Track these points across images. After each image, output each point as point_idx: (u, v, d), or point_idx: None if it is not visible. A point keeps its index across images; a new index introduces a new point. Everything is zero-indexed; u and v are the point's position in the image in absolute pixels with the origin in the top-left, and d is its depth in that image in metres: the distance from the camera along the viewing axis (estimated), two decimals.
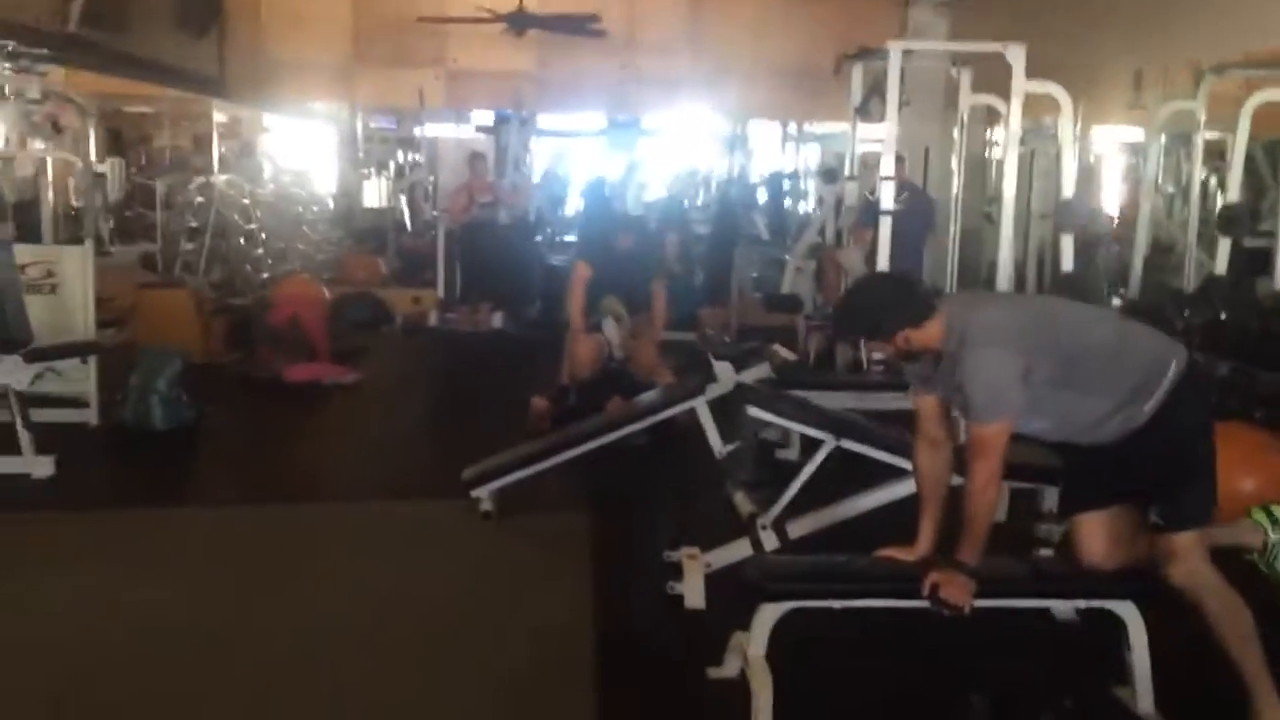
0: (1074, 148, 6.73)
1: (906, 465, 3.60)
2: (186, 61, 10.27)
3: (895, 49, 6.57)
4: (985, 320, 2.81)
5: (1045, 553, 3.74)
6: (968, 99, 7.49)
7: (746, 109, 11.39)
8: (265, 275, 9.45)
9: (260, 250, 9.62)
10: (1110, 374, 2.82)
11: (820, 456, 3.81)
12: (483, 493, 4.50)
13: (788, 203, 12.53)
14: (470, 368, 8.51)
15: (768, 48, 10.47)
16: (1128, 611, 2.90)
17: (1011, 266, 6.79)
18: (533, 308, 10.44)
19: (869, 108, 7.27)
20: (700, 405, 4.58)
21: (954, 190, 7.74)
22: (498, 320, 9.80)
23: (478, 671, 3.24)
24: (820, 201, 9.20)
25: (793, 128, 14.32)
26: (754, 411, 3.78)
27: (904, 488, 3.72)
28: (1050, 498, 3.81)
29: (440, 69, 10.42)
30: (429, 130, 12.55)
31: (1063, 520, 3.31)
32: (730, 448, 4.60)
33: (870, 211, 7.01)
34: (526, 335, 9.64)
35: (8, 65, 5.48)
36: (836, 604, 2.82)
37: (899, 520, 3.17)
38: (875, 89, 7.24)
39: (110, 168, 13.08)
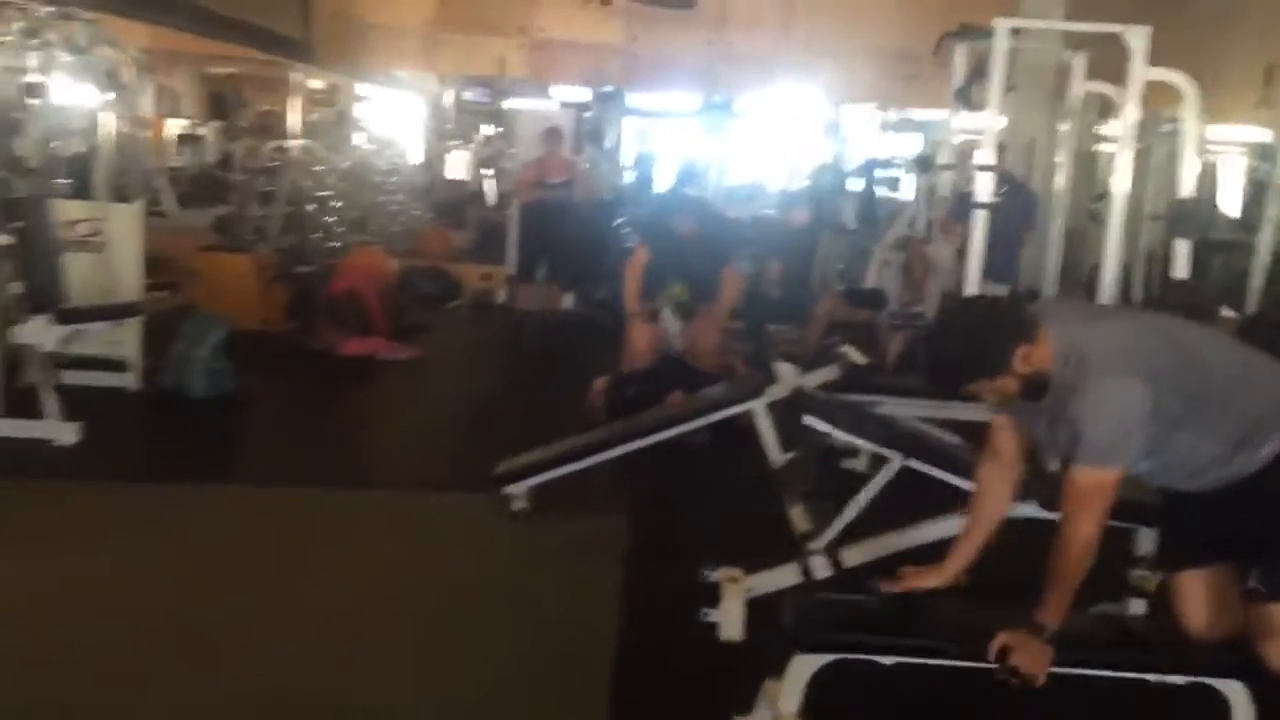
0: (1196, 144, 6.08)
1: None
2: (272, 23, 10.13)
3: (1003, 26, 6.01)
4: (1108, 342, 2.33)
5: (1139, 602, 3.27)
6: (1080, 86, 6.89)
7: (841, 92, 10.83)
8: (335, 244, 9.25)
9: (333, 218, 9.41)
10: (1229, 411, 2.35)
11: (885, 476, 3.37)
12: (516, 489, 4.16)
13: (881, 192, 11.99)
14: (533, 348, 8.21)
15: (865, 27, 9.92)
16: (1235, 692, 2.43)
17: (1117, 270, 6.20)
18: (603, 289, 10.11)
19: (970, 92, 6.70)
20: (758, 408, 4.18)
21: (1059, 185, 7.14)
22: (568, 301, 9.46)
23: (486, 671, 3.06)
24: (916, 192, 8.63)
25: (892, 113, 13.76)
26: (811, 421, 3.36)
27: None
28: (1147, 540, 3.32)
29: (525, 38, 10.09)
30: (512, 103, 12.30)
31: (1161, 572, 2.86)
32: (790, 456, 4.18)
33: (964, 204, 6.47)
34: (595, 317, 9.31)
35: (49, 7, 5.28)
36: (885, 659, 2.41)
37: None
38: (978, 72, 6.67)
39: (210, 131, 13.16)
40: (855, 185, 11.78)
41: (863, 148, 14.67)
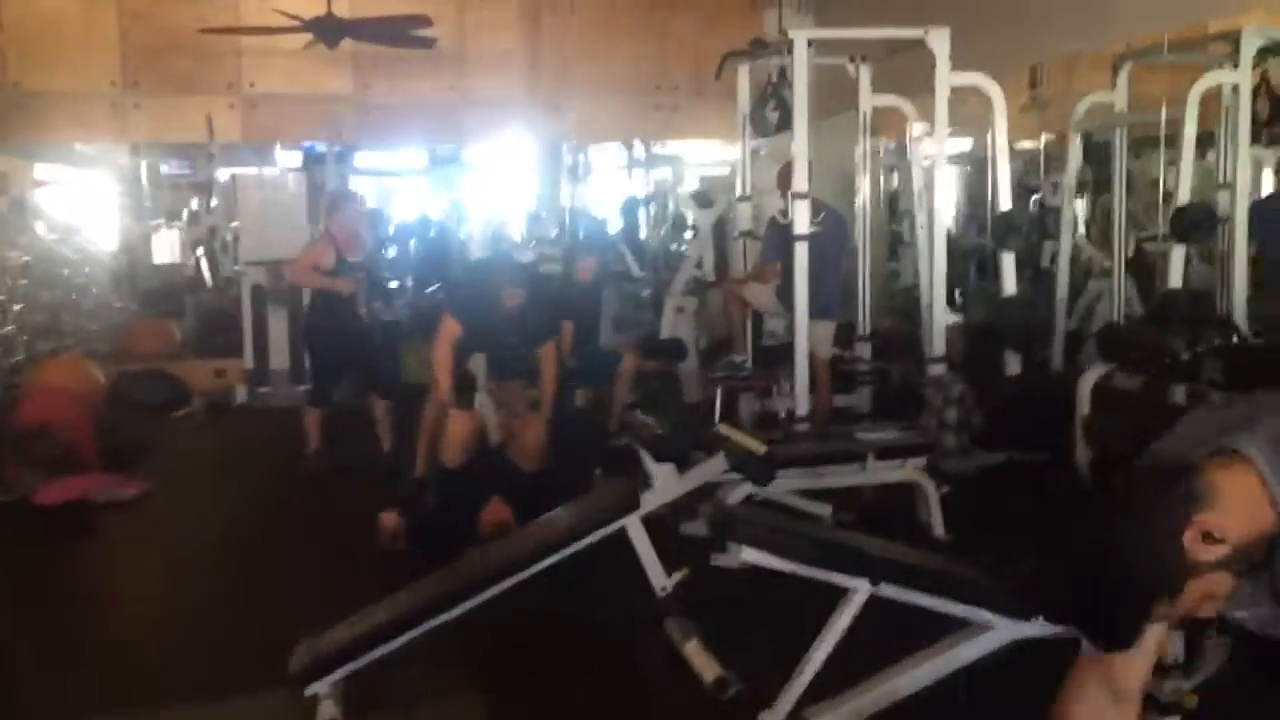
0: (1006, 151, 5.69)
1: (977, 614, 2.36)
2: None
3: (800, 38, 5.40)
4: None
5: None
6: (869, 99, 6.42)
7: (593, 131, 10.09)
8: (18, 358, 7.54)
9: (11, 327, 7.69)
10: None
11: (848, 613, 2.49)
12: (321, 687, 2.99)
13: (644, 233, 11.37)
14: (291, 458, 6.87)
15: (616, 62, 9.21)
16: None
17: (941, 292, 5.70)
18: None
19: (761, 115, 6.07)
20: (633, 524, 3.21)
21: (859, 207, 6.64)
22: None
23: None
24: (695, 230, 7.96)
25: (638, 150, 13.21)
26: (752, 556, 2.44)
27: (972, 649, 2.47)
28: (1175, 644, 2.61)
29: (234, 95, 8.69)
30: (225, 169, 10.81)
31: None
32: (678, 577, 3.26)
33: (777, 237, 5.80)
34: (359, 406, 8.06)
35: None
36: None
37: None
38: (770, 93, 6.05)
39: None
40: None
41: (609, 188, 14.18)
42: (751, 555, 2.41)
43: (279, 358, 8.06)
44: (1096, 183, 7.48)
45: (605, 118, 9.53)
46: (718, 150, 13.68)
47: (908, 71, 6.59)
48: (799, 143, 5.48)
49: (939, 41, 5.48)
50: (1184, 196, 5.48)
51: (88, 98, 8.61)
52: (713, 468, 3.49)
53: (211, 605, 4.21)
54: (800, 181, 5.47)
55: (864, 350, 6.52)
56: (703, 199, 8.29)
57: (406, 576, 4.38)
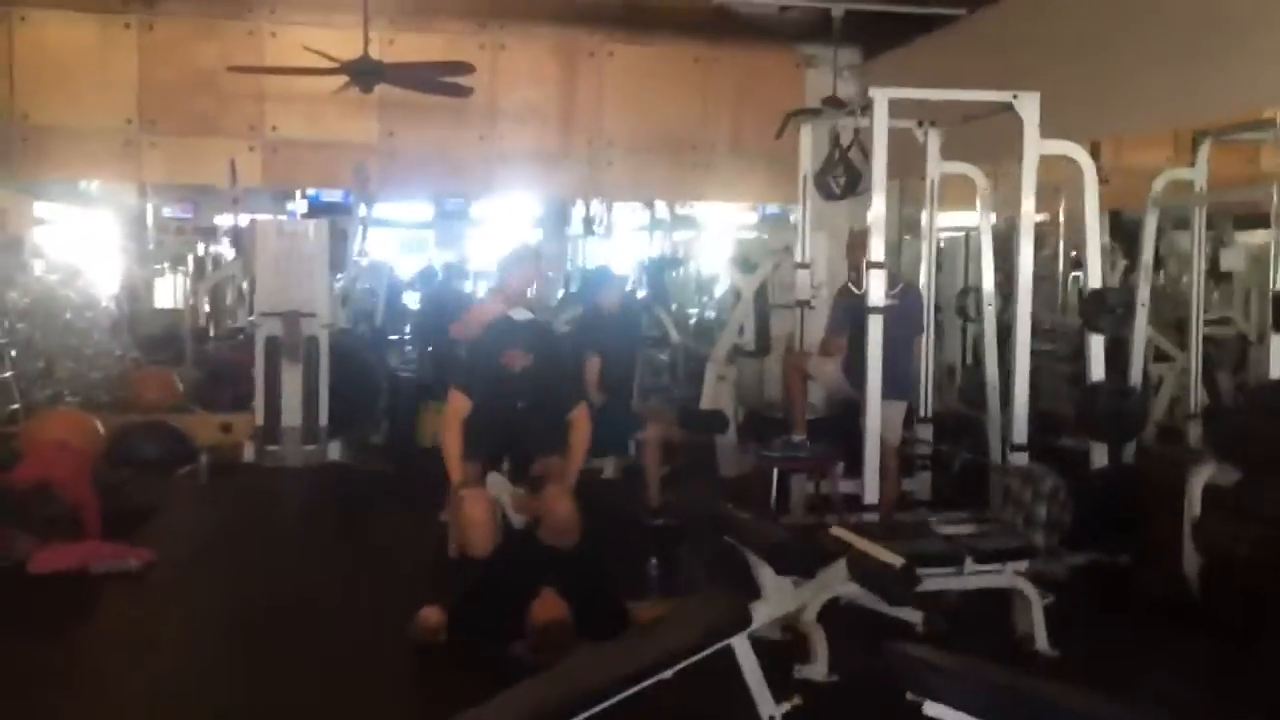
0: (1097, 224, 5.31)
1: None
2: None
3: (882, 97, 5.04)
4: None
5: None
6: (938, 166, 6.07)
7: (626, 188, 9.74)
8: (14, 406, 7.05)
9: (8, 373, 7.21)
10: None
11: None
12: None
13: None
14: (308, 521, 6.38)
15: (650, 118, 8.88)
16: None
17: (1024, 371, 5.28)
18: (377, 431, 8.39)
19: (827, 179, 5.70)
20: (741, 643, 2.74)
21: (924, 280, 6.24)
22: (334, 451, 7.68)
23: None
24: (737, 296, 7.56)
25: (659, 210, 12.91)
26: (938, 712, 1.96)
27: None
28: None
29: (256, 138, 8.32)
30: (233, 216, 10.43)
31: None
32: (787, 708, 2.78)
33: (849, 311, 5.40)
34: (373, 469, 7.59)
35: None
36: None
37: None
38: (836, 154, 5.69)
39: None
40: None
41: (630, 248, 13.85)
42: (937, 711, 1.94)
43: (291, 414, 7.57)
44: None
45: (639, 174, 9.16)
46: (736, 214, 13.44)
47: (975, 139, 6.27)
48: (876, 208, 5.09)
49: (1028, 107, 5.13)
50: None
51: (101, 134, 8.23)
52: (832, 579, 3.03)
53: (224, 703, 3.69)
54: (878, 250, 5.07)
55: (925, 433, 6.09)
56: (746, 263, 7.91)
57: (449, 678, 3.94)
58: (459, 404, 4.54)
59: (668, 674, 2.68)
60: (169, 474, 7.14)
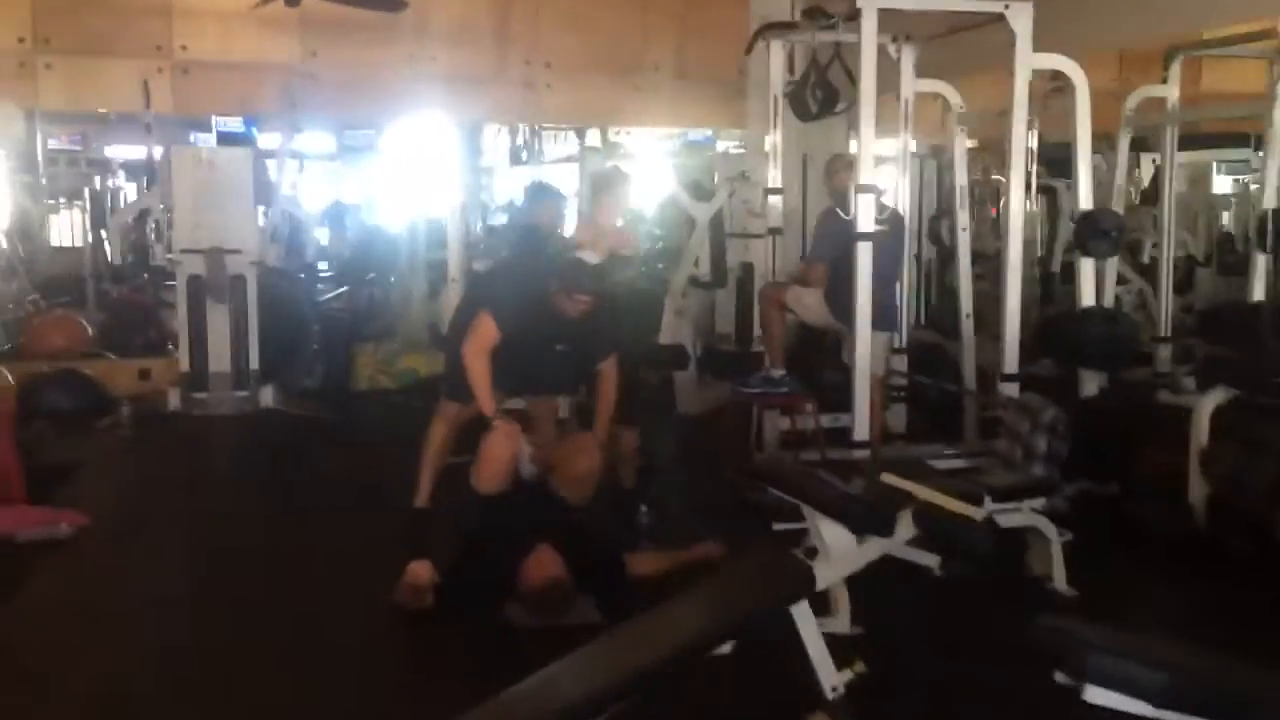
0: (1088, 145, 5.09)
1: None
2: None
3: (870, 7, 4.71)
4: None
5: None
6: (912, 85, 5.78)
7: (566, 114, 9.27)
8: None
9: None
10: None
11: None
12: None
13: None
14: (249, 474, 5.91)
15: (591, 39, 8.40)
16: None
17: (1014, 300, 5.08)
18: (311, 374, 7.90)
19: (806, 97, 5.37)
20: (802, 609, 2.47)
21: (901, 206, 5.97)
22: (266, 397, 7.19)
23: None
24: (691, 225, 7.23)
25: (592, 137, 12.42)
26: (1103, 698, 1.71)
27: None
28: None
29: (164, 60, 7.62)
30: (136, 143, 9.66)
31: None
32: (849, 675, 2.53)
33: (831, 234, 5.11)
34: (310, 414, 7.13)
35: None
36: None
37: None
38: (814, 73, 5.36)
39: None
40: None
41: (566, 178, 13.32)
42: (1104, 699, 1.69)
43: (219, 359, 7.05)
44: None
45: (579, 99, 8.70)
46: (656, 141, 13.04)
47: (945, 56, 6.01)
48: (865, 128, 4.79)
49: (1020, 18, 4.86)
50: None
51: None
52: (900, 534, 2.77)
53: (183, 687, 3.31)
54: (867, 173, 4.78)
55: (899, 363, 5.89)
56: (700, 190, 7.56)
57: (441, 645, 3.61)
58: (490, 331, 4.13)
59: (725, 648, 2.40)
60: (87, 427, 6.59)
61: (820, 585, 2.54)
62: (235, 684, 3.32)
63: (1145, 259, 7.76)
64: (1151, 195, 8.18)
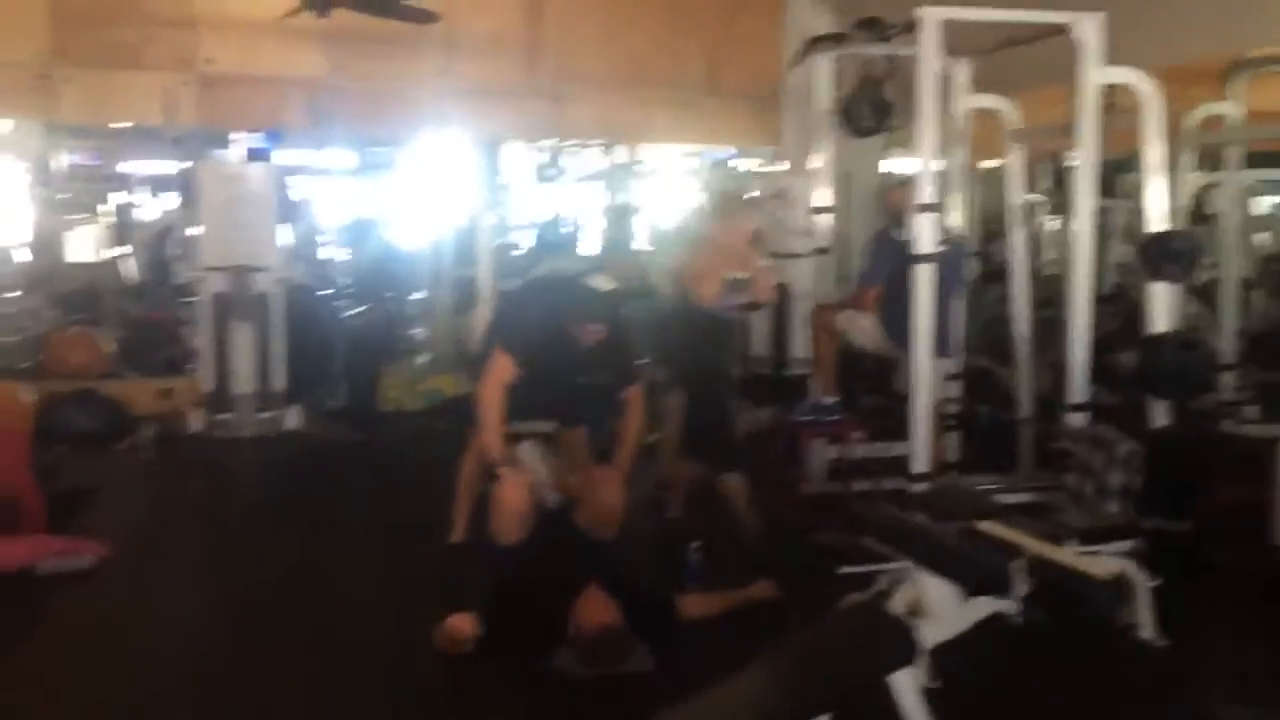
0: (1160, 162, 4.84)
1: None
2: None
3: (932, 17, 4.48)
4: None
5: None
6: (966, 99, 5.56)
7: (596, 129, 9.07)
8: None
9: None
10: None
11: None
12: None
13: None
14: (276, 499, 5.69)
15: (623, 52, 8.19)
16: None
17: (1082, 324, 4.83)
18: (335, 395, 7.69)
19: (859, 113, 5.15)
20: (902, 680, 2.23)
21: (959, 230, 5.71)
22: (291, 419, 6.98)
23: None
24: None
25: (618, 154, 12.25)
26: None
27: None
28: None
29: (189, 73, 7.44)
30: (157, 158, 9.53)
31: None
32: None
33: (887, 255, 4.88)
34: (336, 437, 6.92)
35: None
36: None
37: None
38: (868, 88, 5.15)
39: None
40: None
41: (589, 196, 13.15)
42: None
43: (243, 379, 6.83)
44: None
45: (609, 115, 8.50)
46: (678, 160, 12.87)
47: (998, 71, 5.79)
48: (926, 143, 4.55)
49: (1089, 29, 4.64)
50: None
51: (8, 66, 7.26)
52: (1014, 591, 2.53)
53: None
54: (928, 192, 4.55)
55: (951, 390, 5.64)
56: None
57: (485, 699, 3.38)
58: (504, 368, 3.93)
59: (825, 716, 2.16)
60: (106, 449, 6.39)
61: (925, 648, 2.31)
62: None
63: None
64: (1195, 216, 7.95)
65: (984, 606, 2.52)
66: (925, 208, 4.54)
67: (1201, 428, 4.93)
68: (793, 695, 2.17)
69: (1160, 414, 4.83)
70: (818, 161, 5.67)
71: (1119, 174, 7.38)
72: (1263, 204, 11.24)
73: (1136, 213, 6.63)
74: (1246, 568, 4.26)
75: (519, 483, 3.83)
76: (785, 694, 2.19)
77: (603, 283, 4.32)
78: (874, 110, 5.23)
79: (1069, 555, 2.38)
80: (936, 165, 4.65)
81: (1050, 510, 4.22)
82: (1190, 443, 4.75)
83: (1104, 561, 2.36)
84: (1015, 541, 2.44)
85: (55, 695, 3.34)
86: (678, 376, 4.89)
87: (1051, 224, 8.59)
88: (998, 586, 2.43)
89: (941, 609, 2.44)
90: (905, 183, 5.05)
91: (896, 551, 2.68)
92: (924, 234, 4.54)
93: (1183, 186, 5.85)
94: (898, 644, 2.20)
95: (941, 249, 4.59)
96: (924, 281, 4.54)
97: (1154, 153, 4.79)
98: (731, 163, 12.37)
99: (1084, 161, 4.75)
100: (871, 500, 4.17)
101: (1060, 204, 7.28)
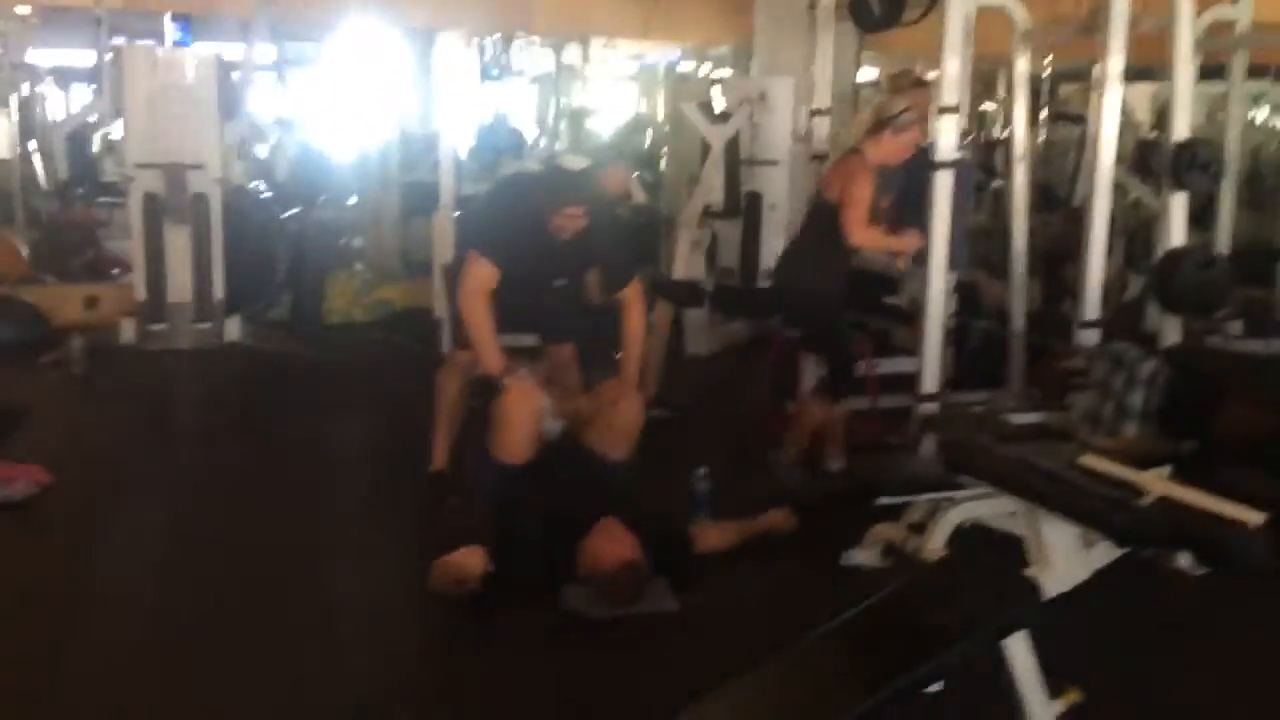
0: (1187, 69, 4.56)
1: None
2: None
3: None
4: None
5: None
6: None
7: (559, 23, 8.51)
8: None
9: None
10: None
11: None
12: None
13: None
14: (227, 418, 5.23)
15: None
16: None
17: (1100, 236, 4.58)
18: (278, 306, 7.18)
19: (870, 2, 4.75)
20: (1018, 646, 1.97)
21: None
22: (232, 330, 6.46)
23: None
24: (706, 150, 6.63)
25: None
26: None
27: None
28: None
29: None
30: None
31: None
32: (1061, 705, 2.05)
33: (902, 169, 4.54)
34: (282, 350, 6.45)
35: None
36: None
37: None
38: None
39: None
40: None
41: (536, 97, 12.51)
42: None
43: (178, 288, 6.28)
44: None
45: (571, 10, 7.97)
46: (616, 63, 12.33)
47: None
48: (952, 38, 4.21)
49: None
50: None
51: None
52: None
53: (184, 682, 2.73)
54: (951, 93, 4.22)
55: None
56: (715, 113, 6.91)
57: (488, 639, 3.06)
58: (485, 275, 3.53)
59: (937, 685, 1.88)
60: (30, 362, 5.85)
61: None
62: (241, 676, 2.76)
63: None
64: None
65: (1104, 554, 2.27)
66: (946, 109, 4.21)
67: (1214, 347, 4.76)
68: (892, 656, 1.89)
69: (1172, 332, 4.64)
70: (818, 59, 5.27)
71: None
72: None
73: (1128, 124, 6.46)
74: (1264, 491, 4.11)
75: (527, 395, 3.47)
76: (887, 659, 1.91)
77: (574, 161, 3.91)
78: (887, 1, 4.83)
79: (1200, 496, 2.14)
80: (955, 65, 4.30)
81: (1065, 433, 4.00)
82: (1210, 360, 4.58)
83: (1239, 507, 2.11)
84: (1131, 479, 2.18)
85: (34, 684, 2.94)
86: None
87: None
88: (1145, 535, 2.18)
89: (1058, 557, 2.17)
90: (917, 82, 4.71)
91: (1007, 492, 2.40)
92: (945, 138, 4.23)
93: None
94: (1018, 601, 1.92)
95: (963, 154, 4.28)
96: (943, 190, 4.24)
97: (1182, 62, 4.50)
98: (679, 67, 11.85)
99: (1111, 61, 4.45)
100: (951, 425, 3.84)
101: (1054, 113, 7.03)
